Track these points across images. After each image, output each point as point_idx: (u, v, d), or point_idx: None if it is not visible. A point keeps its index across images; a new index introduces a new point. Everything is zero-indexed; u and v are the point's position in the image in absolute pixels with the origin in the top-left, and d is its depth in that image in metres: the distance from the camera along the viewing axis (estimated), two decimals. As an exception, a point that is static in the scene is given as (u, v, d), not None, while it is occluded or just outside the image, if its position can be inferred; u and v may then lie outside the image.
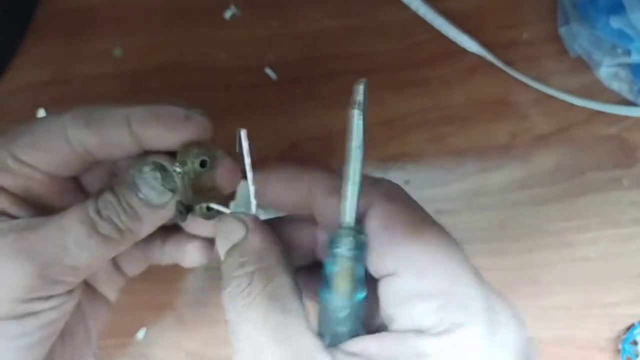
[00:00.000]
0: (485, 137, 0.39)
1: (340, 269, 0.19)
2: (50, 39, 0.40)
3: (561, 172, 0.38)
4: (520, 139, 0.39)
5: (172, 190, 0.24)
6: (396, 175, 0.38)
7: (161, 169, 0.23)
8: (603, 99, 0.39)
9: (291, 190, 0.24)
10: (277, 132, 0.38)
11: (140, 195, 0.23)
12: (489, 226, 0.38)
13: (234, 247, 0.22)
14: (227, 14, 0.39)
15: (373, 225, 0.20)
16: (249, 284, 0.20)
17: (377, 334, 0.19)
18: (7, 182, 0.24)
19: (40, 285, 0.22)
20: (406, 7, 0.39)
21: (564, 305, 0.38)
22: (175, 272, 0.38)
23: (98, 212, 0.23)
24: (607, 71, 0.38)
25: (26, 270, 0.22)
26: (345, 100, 0.39)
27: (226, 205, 0.24)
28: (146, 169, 0.23)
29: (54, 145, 0.24)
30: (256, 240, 0.21)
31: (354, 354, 0.18)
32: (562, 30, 0.39)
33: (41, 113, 0.39)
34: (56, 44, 0.40)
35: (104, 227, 0.23)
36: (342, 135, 0.38)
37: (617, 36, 0.36)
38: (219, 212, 0.24)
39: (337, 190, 0.21)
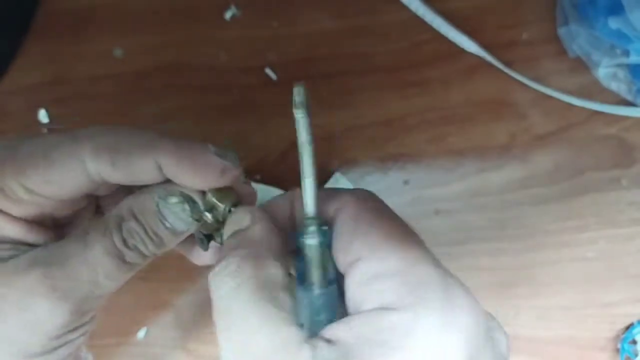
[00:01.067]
0: (484, 137, 0.39)
1: (308, 257, 0.20)
2: (51, 39, 0.40)
3: (560, 172, 0.39)
4: (520, 139, 0.39)
5: (198, 220, 0.24)
6: (396, 175, 0.39)
7: (189, 201, 0.24)
8: (602, 99, 0.39)
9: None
10: (277, 132, 0.39)
11: (167, 225, 0.24)
12: (488, 226, 0.38)
13: (234, 233, 0.22)
14: (228, 15, 0.39)
15: (342, 218, 0.21)
16: (237, 267, 0.20)
17: (344, 318, 0.19)
18: (21, 212, 0.23)
19: (74, 319, 0.22)
20: (406, 8, 0.39)
21: (563, 304, 0.38)
22: (176, 272, 0.38)
23: (124, 242, 0.23)
24: (605, 71, 0.38)
25: (61, 310, 0.22)
26: (345, 101, 0.40)
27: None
28: (173, 199, 0.23)
29: (70, 178, 0.23)
30: (256, 229, 0.22)
31: (328, 341, 0.19)
32: (561, 31, 0.39)
33: (42, 113, 0.39)
34: (57, 44, 0.39)
35: (130, 256, 0.23)
36: (342, 135, 0.39)
37: (616, 37, 0.36)
38: None
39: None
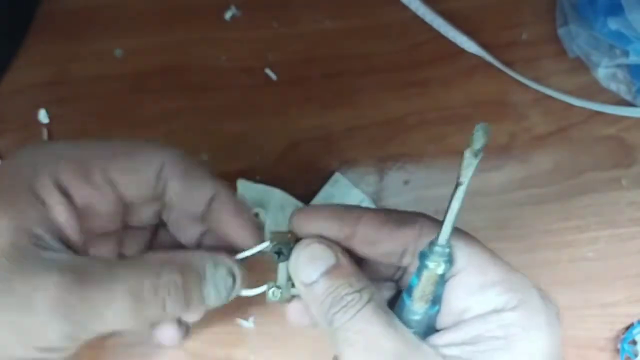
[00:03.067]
0: (484, 137, 0.39)
1: (426, 280, 0.22)
2: (51, 39, 0.40)
3: (560, 172, 0.39)
4: (520, 139, 0.39)
5: (228, 299, 0.25)
6: (396, 175, 0.39)
7: (234, 278, 0.25)
8: (602, 99, 0.39)
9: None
10: (277, 132, 0.39)
11: (202, 291, 0.24)
12: (488, 226, 0.38)
13: (328, 272, 0.23)
14: (228, 15, 0.40)
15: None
16: (358, 295, 0.22)
17: (453, 327, 0.22)
18: (80, 195, 0.24)
19: (63, 341, 0.22)
20: (406, 8, 0.39)
21: (563, 305, 0.38)
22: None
23: (155, 289, 0.23)
24: (605, 72, 0.38)
25: (56, 329, 0.21)
26: (345, 101, 0.40)
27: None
28: (222, 269, 0.24)
29: (148, 171, 0.25)
30: (344, 263, 0.23)
31: (445, 345, 0.22)
32: (561, 31, 0.39)
33: (42, 113, 0.39)
34: (57, 44, 0.40)
35: (150, 306, 0.23)
36: (342, 135, 0.39)
37: (615, 37, 0.36)
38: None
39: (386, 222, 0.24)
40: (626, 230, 0.38)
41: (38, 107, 0.39)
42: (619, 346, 0.38)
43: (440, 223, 0.22)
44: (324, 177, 0.38)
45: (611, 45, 0.37)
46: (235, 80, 0.39)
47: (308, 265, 0.23)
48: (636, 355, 0.37)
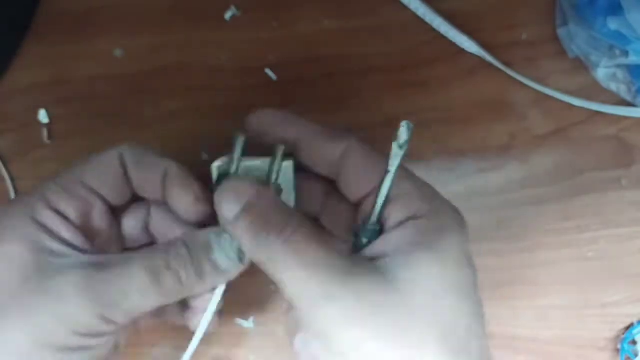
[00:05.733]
0: (484, 137, 0.39)
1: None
2: (51, 39, 0.40)
3: (560, 172, 0.39)
4: (519, 139, 0.39)
5: (241, 261, 0.26)
6: (396, 175, 0.39)
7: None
8: (601, 99, 0.39)
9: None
10: (277, 132, 0.39)
11: (213, 258, 0.26)
12: (488, 226, 0.38)
13: (253, 202, 0.24)
14: (228, 15, 0.40)
15: (353, 155, 0.26)
16: (291, 223, 0.23)
17: (382, 236, 0.25)
18: (74, 208, 0.26)
19: (98, 323, 0.24)
20: (406, 8, 0.39)
21: (563, 304, 0.38)
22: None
23: (167, 264, 0.25)
24: (604, 72, 0.38)
25: (88, 310, 0.24)
26: (344, 101, 0.40)
27: None
28: (226, 235, 0.26)
29: (112, 166, 0.27)
30: (271, 196, 0.25)
31: (374, 256, 0.24)
32: (561, 32, 0.39)
33: (42, 113, 0.39)
34: (57, 44, 0.40)
35: (167, 279, 0.25)
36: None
37: (615, 37, 0.36)
38: None
39: (325, 132, 0.27)
40: (626, 230, 0.39)
41: (38, 107, 0.39)
42: (619, 346, 0.38)
43: (366, 149, 0.26)
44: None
45: (611, 46, 0.37)
46: (235, 80, 0.39)
47: (229, 200, 0.25)
48: (636, 355, 0.37)
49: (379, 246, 0.24)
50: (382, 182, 0.24)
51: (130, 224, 0.29)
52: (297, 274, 0.22)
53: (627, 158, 0.39)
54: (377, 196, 0.24)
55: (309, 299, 0.22)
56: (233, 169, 0.27)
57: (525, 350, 0.38)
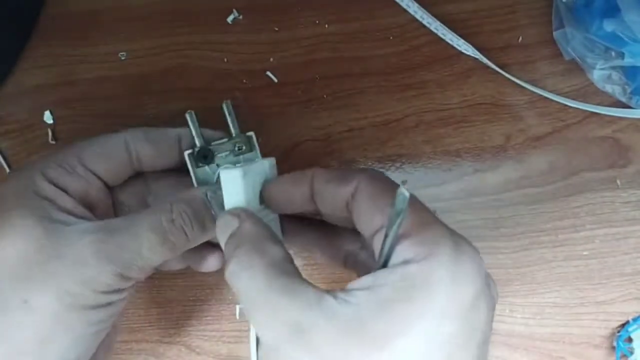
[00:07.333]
0: (480, 138, 0.39)
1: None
2: (56, 41, 0.40)
3: (555, 172, 0.39)
4: (515, 140, 0.39)
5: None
6: (394, 176, 0.39)
7: None
8: (597, 101, 0.39)
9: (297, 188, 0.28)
10: (278, 133, 0.39)
11: (213, 212, 0.28)
12: (484, 225, 0.39)
13: (231, 235, 0.25)
14: (230, 19, 0.40)
15: (362, 196, 0.25)
16: (247, 260, 0.23)
17: (371, 273, 0.23)
18: (74, 185, 0.28)
19: (117, 281, 0.26)
20: (404, 12, 0.40)
21: (558, 303, 0.39)
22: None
23: (172, 221, 0.27)
24: (600, 74, 0.39)
25: (108, 271, 0.26)
26: (344, 102, 0.40)
27: None
28: (220, 191, 0.28)
29: (116, 150, 0.29)
30: (246, 226, 0.25)
31: (351, 290, 0.22)
32: (557, 34, 0.39)
33: (47, 115, 0.39)
34: (62, 46, 0.40)
35: (174, 234, 0.27)
36: (341, 136, 0.39)
37: (611, 39, 0.36)
38: None
39: (335, 178, 0.26)
40: (621, 229, 0.39)
41: (43, 108, 0.40)
42: (614, 344, 0.38)
43: (375, 186, 0.25)
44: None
45: (606, 48, 0.37)
46: (237, 83, 0.40)
47: (219, 234, 0.26)
48: (632, 353, 0.38)
49: (365, 280, 0.22)
50: (384, 241, 0.23)
51: (128, 197, 0.32)
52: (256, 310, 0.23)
53: (622, 158, 0.39)
54: (381, 249, 0.23)
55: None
56: (198, 142, 0.30)
57: (521, 347, 0.39)
